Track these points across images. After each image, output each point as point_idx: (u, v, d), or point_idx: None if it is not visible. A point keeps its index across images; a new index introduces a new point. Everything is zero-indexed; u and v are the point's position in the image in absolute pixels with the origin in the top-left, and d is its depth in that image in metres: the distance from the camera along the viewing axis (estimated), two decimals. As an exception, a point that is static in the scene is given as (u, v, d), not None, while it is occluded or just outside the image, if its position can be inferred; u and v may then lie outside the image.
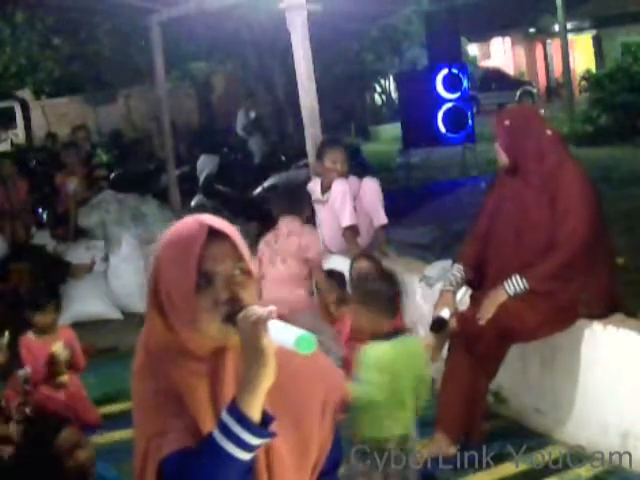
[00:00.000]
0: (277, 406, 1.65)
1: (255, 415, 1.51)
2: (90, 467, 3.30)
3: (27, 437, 3.35)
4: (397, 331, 3.10)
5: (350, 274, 4.88)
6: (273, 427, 1.58)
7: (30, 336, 4.60)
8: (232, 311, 1.56)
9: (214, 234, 1.61)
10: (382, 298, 3.06)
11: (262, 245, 4.87)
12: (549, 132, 3.85)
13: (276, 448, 1.64)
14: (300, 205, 4.96)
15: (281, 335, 1.50)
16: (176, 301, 1.60)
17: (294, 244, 4.76)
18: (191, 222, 1.64)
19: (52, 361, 4.42)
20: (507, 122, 3.84)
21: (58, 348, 4.48)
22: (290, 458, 1.67)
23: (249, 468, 1.55)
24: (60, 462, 3.19)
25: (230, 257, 1.61)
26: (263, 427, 1.52)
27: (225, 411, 1.51)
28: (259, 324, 1.51)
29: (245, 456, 1.50)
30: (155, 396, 1.61)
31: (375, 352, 2.99)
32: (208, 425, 1.56)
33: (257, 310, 1.53)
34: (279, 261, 4.78)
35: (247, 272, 1.62)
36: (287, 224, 4.82)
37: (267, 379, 1.51)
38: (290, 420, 1.68)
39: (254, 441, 1.50)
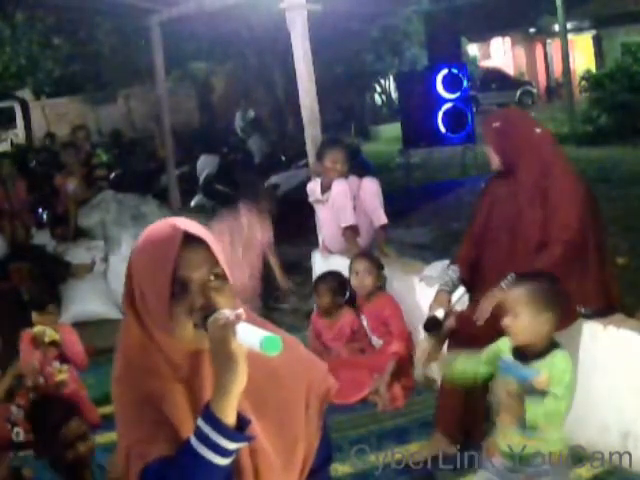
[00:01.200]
0: (260, 407, 1.65)
1: (230, 419, 1.50)
2: (89, 460, 3.30)
3: (34, 419, 3.36)
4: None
5: (349, 274, 4.88)
6: (255, 429, 1.58)
7: (30, 332, 4.58)
8: (206, 316, 1.54)
9: (189, 239, 1.58)
10: (562, 300, 2.86)
11: (221, 226, 5.35)
12: (538, 130, 3.85)
13: (261, 449, 1.64)
14: (257, 193, 5.69)
15: (248, 337, 1.49)
16: (151, 306, 1.59)
17: (256, 234, 5.34)
18: (165, 226, 1.61)
19: (35, 343, 4.44)
20: (497, 124, 3.84)
21: (39, 329, 4.49)
22: (277, 458, 1.67)
23: (229, 473, 1.54)
24: (63, 451, 3.20)
25: (205, 263, 1.58)
26: (239, 431, 1.51)
27: (200, 417, 1.51)
28: (227, 328, 1.50)
29: (223, 461, 1.49)
30: (134, 405, 1.60)
31: (566, 360, 2.78)
32: (188, 431, 1.55)
33: (225, 314, 1.52)
34: (241, 247, 5.17)
35: (222, 277, 1.60)
36: (246, 212, 5.46)
37: (238, 383, 1.50)
38: (274, 419, 1.68)
39: (230, 446, 1.49)
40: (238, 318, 1.51)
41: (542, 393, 2.71)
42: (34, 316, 4.62)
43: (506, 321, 2.82)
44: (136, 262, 1.63)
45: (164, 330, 1.59)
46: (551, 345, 2.81)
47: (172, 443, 1.54)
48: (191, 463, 1.49)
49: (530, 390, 2.77)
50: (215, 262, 1.60)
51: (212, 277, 1.59)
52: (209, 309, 1.55)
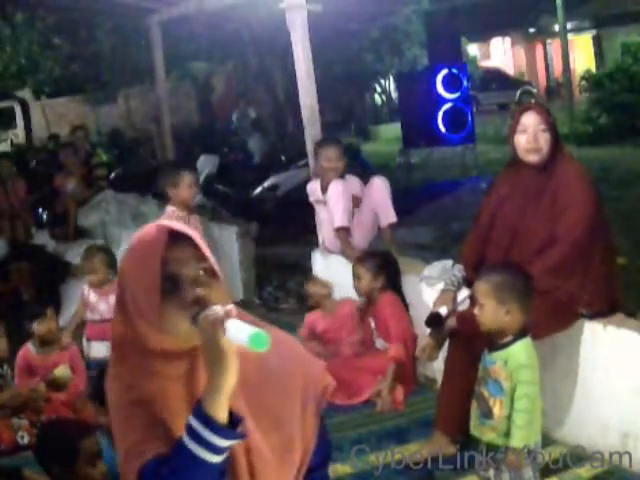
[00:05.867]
0: (255, 405, 1.65)
1: (221, 417, 1.50)
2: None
3: (46, 437, 3.33)
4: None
5: (353, 274, 4.88)
6: (250, 427, 1.58)
7: (30, 348, 4.48)
8: (200, 312, 1.55)
9: (175, 237, 1.61)
10: (530, 293, 2.98)
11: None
12: None
13: (256, 447, 1.64)
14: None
15: (237, 334, 1.50)
16: (143, 307, 1.59)
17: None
18: (150, 228, 1.65)
19: (54, 384, 4.36)
20: (547, 113, 3.70)
21: (63, 372, 4.40)
22: (273, 457, 1.67)
23: (223, 470, 1.54)
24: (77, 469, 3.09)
25: (193, 259, 1.61)
26: (231, 428, 1.51)
27: (191, 415, 1.51)
28: (216, 324, 1.51)
29: (215, 459, 1.50)
30: (129, 407, 1.61)
31: (531, 349, 2.93)
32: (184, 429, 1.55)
33: (216, 310, 1.53)
34: None
35: (211, 272, 1.62)
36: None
37: (229, 379, 1.50)
38: (270, 418, 1.68)
39: (222, 443, 1.49)
40: (227, 315, 1.52)
41: (500, 385, 2.87)
42: (34, 326, 4.43)
43: (475, 310, 2.97)
44: (125, 266, 1.65)
45: (157, 329, 1.59)
46: (519, 337, 2.92)
47: (168, 442, 1.54)
48: (184, 461, 1.49)
49: (489, 379, 2.93)
50: (203, 258, 1.62)
51: (201, 272, 1.60)
52: (202, 304, 1.56)
